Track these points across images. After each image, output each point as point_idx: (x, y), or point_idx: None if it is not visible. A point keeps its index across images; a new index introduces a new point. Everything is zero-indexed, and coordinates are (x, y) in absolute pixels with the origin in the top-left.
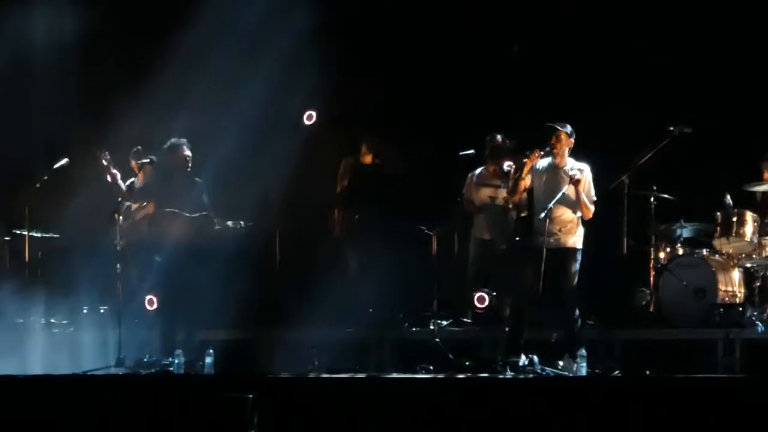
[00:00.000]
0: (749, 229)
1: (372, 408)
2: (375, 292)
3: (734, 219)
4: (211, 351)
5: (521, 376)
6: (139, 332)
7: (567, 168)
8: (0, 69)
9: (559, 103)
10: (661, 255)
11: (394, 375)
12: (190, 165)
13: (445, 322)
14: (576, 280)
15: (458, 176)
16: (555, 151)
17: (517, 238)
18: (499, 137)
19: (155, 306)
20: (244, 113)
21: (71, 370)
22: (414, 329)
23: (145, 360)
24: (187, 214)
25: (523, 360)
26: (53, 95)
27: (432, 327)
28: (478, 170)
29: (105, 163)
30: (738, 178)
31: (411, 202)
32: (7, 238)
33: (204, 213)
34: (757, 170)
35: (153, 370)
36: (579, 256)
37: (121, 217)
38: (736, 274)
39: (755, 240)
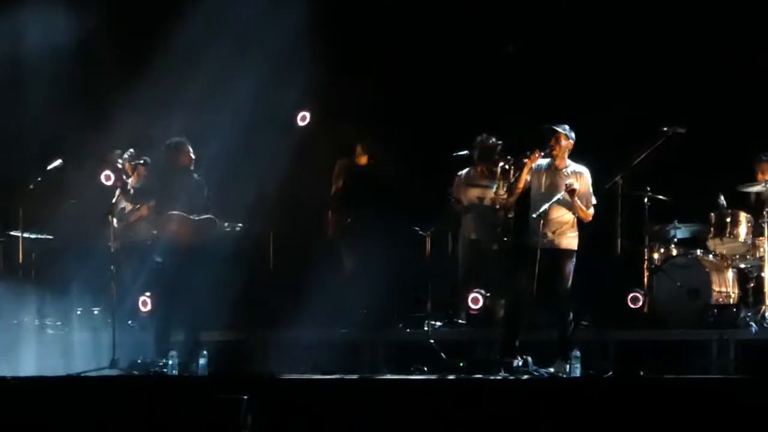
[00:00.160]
0: (743, 229)
1: (366, 409)
2: (369, 292)
3: (728, 220)
4: (205, 352)
5: (515, 377)
6: (133, 333)
7: (566, 171)
8: None
9: (553, 103)
10: (655, 256)
11: (388, 376)
12: (193, 165)
13: (439, 323)
14: (570, 281)
15: (452, 177)
16: (554, 152)
17: (505, 238)
18: (488, 138)
19: (149, 307)
20: (238, 113)
21: (65, 371)
22: (408, 330)
23: (139, 361)
24: (193, 217)
25: (517, 361)
26: (47, 96)
27: (426, 328)
28: (467, 170)
29: (119, 164)
30: (732, 179)
31: (405, 203)
32: (0, 240)
33: (209, 216)
34: (750, 171)
35: (150, 371)
36: (574, 258)
37: (114, 219)
38: (730, 275)
39: (749, 241)
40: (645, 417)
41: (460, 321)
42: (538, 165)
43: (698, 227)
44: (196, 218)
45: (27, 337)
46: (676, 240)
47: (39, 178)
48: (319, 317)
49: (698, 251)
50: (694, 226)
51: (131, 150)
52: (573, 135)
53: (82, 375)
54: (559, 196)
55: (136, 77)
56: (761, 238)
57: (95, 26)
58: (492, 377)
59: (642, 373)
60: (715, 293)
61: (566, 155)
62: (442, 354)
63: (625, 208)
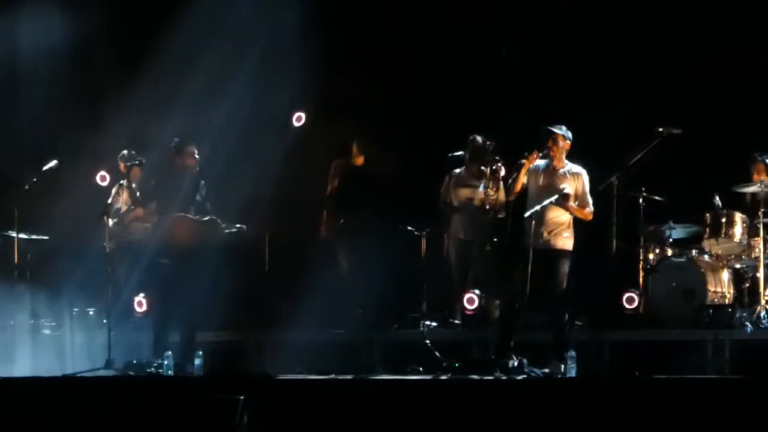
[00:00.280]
0: (738, 230)
1: (362, 409)
2: (364, 293)
3: (723, 220)
4: (200, 352)
5: (511, 378)
6: (129, 334)
7: (563, 171)
8: None
9: (550, 104)
10: (651, 256)
11: (384, 376)
12: (198, 165)
13: (434, 324)
14: (565, 282)
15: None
16: (552, 153)
17: (495, 239)
18: (479, 138)
19: (144, 308)
20: (234, 113)
21: (60, 372)
22: (404, 331)
23: (135, 362)
24: (197, 218)
25: (512, 361)
26: (43, 96)
27: (421, 328)
28: (458, 171)
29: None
30: (727, 179)
31: (401, 203)
32: None
33: (212, 217)
34: (746, 172)
35: (145, 372)
36: (569, 258)
37: (110, 219)
38: (726, 275)
39: (744, 241)
40: (640, 417)
41: (455, 321)
42: (535, 166)
43: (693, 227)
44: (200, 219)
45: (22, 337)
46: (671, 240)
47: (34, 179)
48: (314, 318)
49: (693, 251)
50: (690, 226)
51: (125, 152)
52: (570, 135)
53: (78, 375)
54: (552, 199)
55: (133, 78)
56: (756, 239)
57: (91, 26)
58: (487, 378)
59: (637, 373)
60: (710, 293)
61: (564, 156)
62: (438, 354)
63: (621, 208)
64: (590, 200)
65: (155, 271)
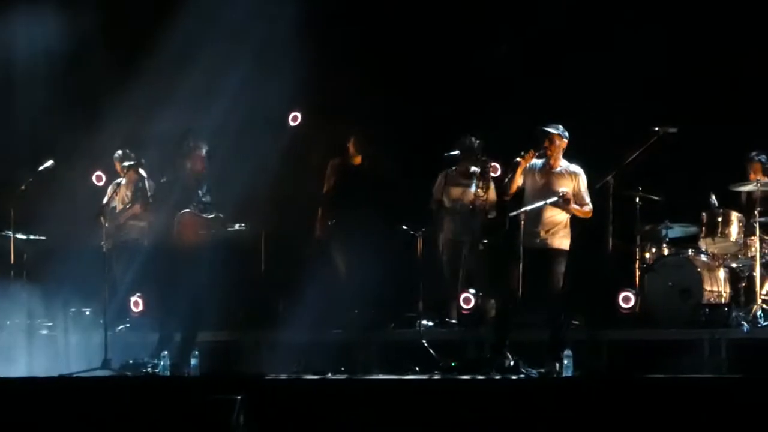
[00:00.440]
0: (734, 229)
1: (358, 409)
2: (360, 293)
3: (719, 219)
4: (196, 353)
5: (507, 377)
6: (125, 334)
7: (560, 170)
8: None
9: (546, 103)
10: (647, 255)
11: (380, 376)
12: (206, 167)
13: (430, 323)
14: (562, 281)
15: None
16: (548, 152)
17: (485, 240)
18: (469, 138)
19: (140, 308)
20: (230, 113)
21: (57, 372)
22: (400, 330)
23: (131, 362)
24: (204, 216)
25: (508, 361)
26: (38, 97)
27: (417, 328)
28: (449, 170)
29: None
30: (723, 178)
31: (397, 202)
32: None
33: (218, 214)
34: (742, 170)
35: (142, 372)
36: (566, 258)
37: (106, 219)
38: (722, 275)
39: (740, 240)
40: (637, 417)
41: (452, 321)
42: (532, 165)
43: (690, 227)
44: (207, 216)
45: (19, 337)
46: (667, 239)
47: (31, 179)
48: (311, 317)
49: (690, 251)
50: (686, 225)
51: (120, 151)
52: (567, 134)
53: (74, 375)
54: (547, 201)
55: (129, 78)
56: (752, 238)
57: (87, 27)
58: (483, 377)
59: (633, 372)
60: (706, 293)
61: (560, 155)
62: (434, 354)
63: (617, 207)
64: (588, 199)
65: (161, 269)
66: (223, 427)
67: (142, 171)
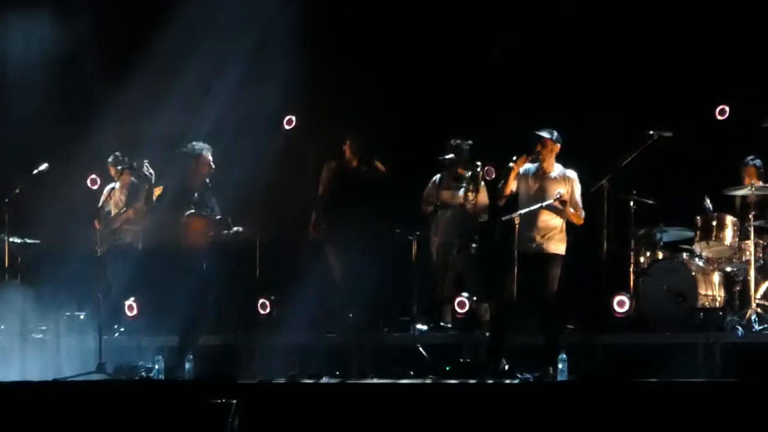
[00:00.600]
0: (729, 233)
1: (352, 413)
2: (355, 296)
3: (714, 223)
4: (191, 356)
5: (502, 381)
6: (120, 338)
7: (554, 175)
8: None
9: (541, 106)
10: (642, 259)
11: (375, 380)
12: (212, 171)
13: (425, 327)
14: (556, 286)
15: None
16: (541, 156)
17: (474, 245)
18: (458, 142)
19: (135, 312)
20: (224, 115)
21: (51, 376)
22: (394, 334)
23: (125, 366)
24: (210, 217)
25: (503, 365)
26: (32, 100)
27: (412, 332)
28: (443, 173)
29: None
30: (718, 182)
31: (391, 206)
32: None
33: (224, 217)
34: (737, 174)
35: (136, 376)
36: (561, 262)
37: (100, 223)
38: (716, 278)
39: (735, 244)
40: (632, 421)
41: (446, 325)
42: (525, 170)
43: (684, 230)
44: (213, 217)
45: (13, 341)
46: (662, 243)
47: (25, 182)
48: (305, 321)
49: (684, 255)
50: (681, 229)
51: (116, 154)
52: (560, 139)
53: (68, 380)
54: (543, 204)
55: (123, 82)
56: (747, 242)
57: (81, 31)
58: (478, 381)
59: (628, 376)
60: (701, 297)
61: (553, 160)
62: (428, 357)
63: (612, 211)
64: (581, 205)
65: (169, 272)
66: (218, 431)
67: (147, 172)
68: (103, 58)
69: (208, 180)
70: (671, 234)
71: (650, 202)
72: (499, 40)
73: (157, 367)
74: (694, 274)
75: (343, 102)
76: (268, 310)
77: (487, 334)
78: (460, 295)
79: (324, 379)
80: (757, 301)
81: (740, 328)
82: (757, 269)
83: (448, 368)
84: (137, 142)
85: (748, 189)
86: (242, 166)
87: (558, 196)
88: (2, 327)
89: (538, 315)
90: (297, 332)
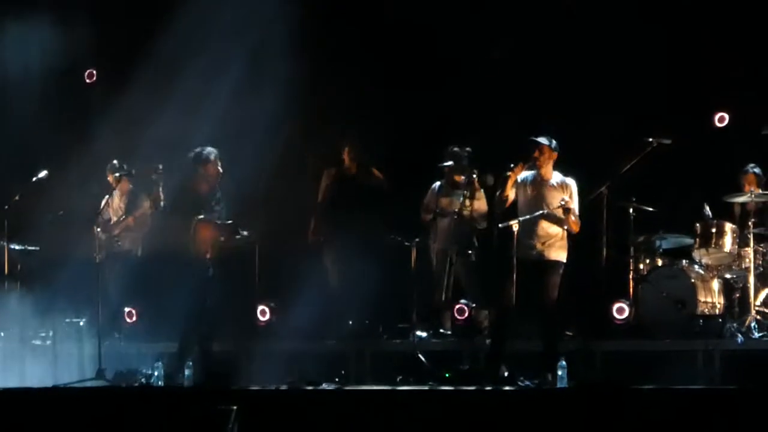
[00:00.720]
0: (728, 240)
1: (352, 420)
2: (354, 303)
3: (713, 230)
4: (190, 363)
5: (501, 388)
6: (119, 344)
7: (552, 182)
8: None
9: (540, 113)
10: (641, 266)
11: (374, 387)
12: (220, 176)
13: (424, 334)
14: (556, 293)
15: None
16: (538, 164)
17: (470, 251)
18: (455, 149)
19: (134, 318)
20: (222, 120)
21: (51, 382)
22: (394, 341)
23: (125, 372)
24: (219, 222)
25: (503, 371)
26: (31, 107)
27: (411, 338)
28: (441, 181)
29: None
30: (717, 189)
31: (390, 213)
32: None
33: (233, 222)
34: (736, 181)
35: (135, 382)
36: (561, 270)
37: (99, 230)
38: (716, 286)
39: (734, 251)
40: (631, 427)
41: (447, 332)
42: (523, 177)
43: (684, 238)
44: (222, 222)
45: (12, 348)
46: (661, 250)
47: (24, 189)
48: (304, 328)
49: (684, 262)
50: (680, 236)
51: (114, 161)
52: (558, 147)
53: (68, 386)
54: (545, 211)
55: (121, 88)
56: (746, 249)
57: (80, 39)
58: (478, 388)
59: (628, 383)
60: (700, 304)
61: (551, 167)
62: (428, 364)
63: (611, 218)
64: (578, 211)
65: (178, 277)
66: None
67: (157, 176)
68: (102, 64)
69: (216, 185)
70: (671, 241)
71: (650, 209)
72: (499, 41)
73: (156, 373)
74: (693, 281)
75: (343, 104)
76: (267, 316)
77: (488, 341)
78: (459, 302)
79: (323, 386)
80: (756, 308)
81: (740, 335)
82: (756, 276)
83: (447, 375)
84: (136, 148)
85: (747, 196)
86: (242, 169)
87: (563, 203)
88: (2, 334)
89: (538, 322)
90: (296, 339)
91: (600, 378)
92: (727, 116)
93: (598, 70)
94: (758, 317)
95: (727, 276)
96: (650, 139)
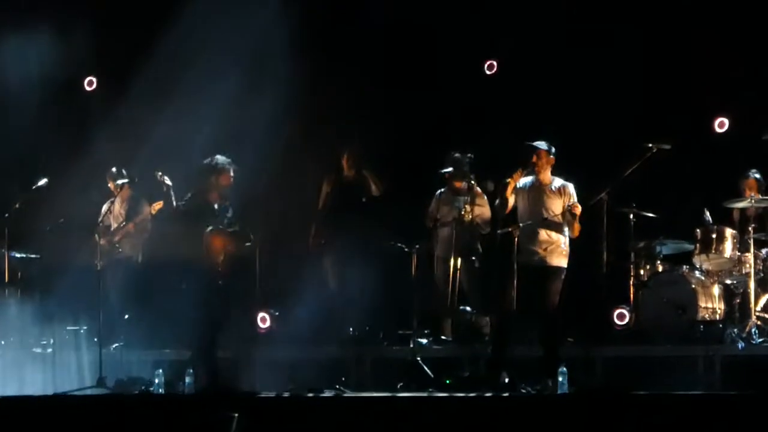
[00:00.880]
0: (729, 245)
1: (352, 427)
2: (354, 310)
3: (714, 236)
4: (190, 370)
5: (502, 394)
6: (120, 352)
7: (551, 187)
8: None
9: (539, 119)
10: (641, 272)
11: (374, 393)
12: (231, 185)
13: (424, 340)
14: (557, 299)
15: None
16: (537, 169)
17: (473, 258)
18: (456, 155)
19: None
20: (224, 124)
21: (51, 390)
22: (394, 347)
23: (125, 380)
24: (230, 230)
25: (503, 378)
26: (31, 115)
27: (412, 345)
28: (443, 188)
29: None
30: (717, 194)
31: (390, 219)
32: None
33: (243, 230)
34: (736, 187)
35: (136, 390)
36: (563, 276)
37: (100, 237)
38: (716, 291)
39: (735, 257)
40: None
41: (447, 338)
42: (522, 183)
43: (684, 243)
44: (233, 231)
45: (13, 356)
46: (662, 256)
47: (25, 197)
48: (305, 334)
49: (684, 267)
50: (680, 242)
51: (113, 169)
52: (555, 152)
53: (69, 394)
54: (545, 216)
55: (121, 96)
56: (747, 254)
57: (80, 48)
58: (478, 394)
59: (628, 389)
60: (701, 309)
61: (549, 172)
62: (428, 371)
63: (611, 224)
64: None
65: (192, 286)
66: None
67: (167, 181)
68: (102, 72)
69: (226, 193)
70: (671, 247)
71: (650, 214)
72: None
73: (157, 381)
74: (693, 286)
75: (343, 104)
76: (268, 323)
77: (488, 347)
78: (461, 308)
79: (324, 393)
80: (757, 314)
81: (740, 341)
82: (756, 282)
83: (448, 381)
84: (136, 155)
85: (747, 201)
86: (242, 172)
87: (569, 207)
88: (2, 342)
89: (539, 328)
90: (297, 345)
91: (600, 384)
92: (727, 121)
93: (598, 75)
94: (759, 323)
95: (728, 281)
96: (650, 145)
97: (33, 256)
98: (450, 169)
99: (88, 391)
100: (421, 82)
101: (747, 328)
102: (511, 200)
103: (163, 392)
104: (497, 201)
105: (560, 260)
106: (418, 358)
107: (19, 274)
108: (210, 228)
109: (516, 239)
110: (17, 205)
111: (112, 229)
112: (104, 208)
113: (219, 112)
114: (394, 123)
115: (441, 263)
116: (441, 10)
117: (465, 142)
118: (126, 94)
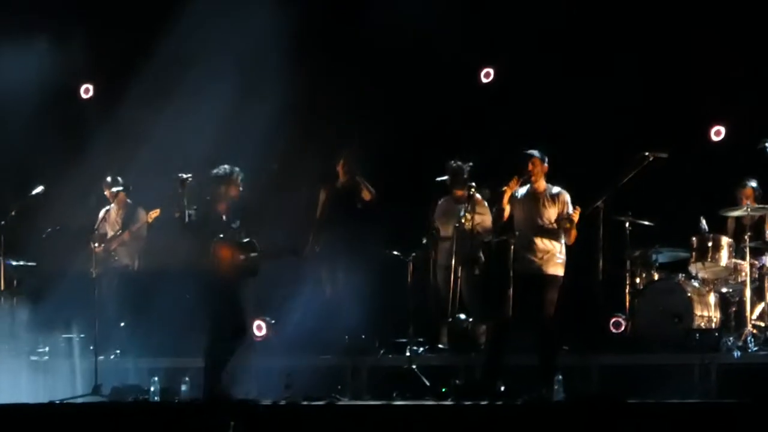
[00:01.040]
0: (725, 254)
1: None
2: (350, 318)
3: (710, 244)
4: (187, 378)
5: (498, 402)
6: (116, 360)
7: (546, 194)
8: None
9: (536, 129)
10: (637, 280)
11: (371, 402)
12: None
13: (420, 349)
14: (554, 308)
15: (434, 202)
16: (532, 177)
17: (474, 265)
18: (455, 163)
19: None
20: (217, 131)
21: (47, 398)
22: (390, 356)
23: (121, 387)
24: (237, 241)
25: (499, 386)
26: (27, 124)
27: (408, 353)
28: (445, 197)
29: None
30: (713, 203)
31: (387, 226)
32: None
33: (250, 239)
34: (732, 195)
35: (132, 398)
36: (559, 284)
37: (96, 245)
38: (712, 299)
39: (731, 265)
40: None
41: (441, 346)
42: (518, 192)
43: (680, 252)
44: (240, 242)
45: (9, 363)
46: (658, 264)
47: (21, 204)
48: (301, 343)
49: (680, 275)
50: (676, 250)
51: (108, 178)
52: (546, 159)
53: (65, 402)
54: (543, 224)
55: (117, 104)
56: (743, 263)
57: (76, 56)
58: (474, 402)
59: (624, 397)
60: (696, 317)
61: (543, 179)
62: (424, 379)
63: (607, 232)
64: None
65: (203, 297)
66: None
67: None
68: (98, 79)
69: (235, 203)
70: (667, 255)
71: (646, 223)
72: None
73: (153, 388)
74: (689, 295)
75: (343, 106)
76: (264, 331)
77: (483, 355)
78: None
79: (321, 401)
80: (752, 322)
81: (736, 349)
82: (752, 290)
83: (444, 390)
84: (133, 162)
85: (743, 210)
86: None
87: (567, 215)
88: None
89: (535, 336)
90: (293, 353)
91: (596, 392)
92: (723, 130)
93: (595, 84)
94: (754, 331)
95: (724, 290)
96: (646, 153)
97: (29, 263)
98: (446, 177)
99: (84, 399)
100: (421, 82)
101: (743, 337)
102: (508, 209)
103: (158, 400)
104: (494, 209)
105: (557, 269)
106: (414, 367)
107: (15, 281)
108: (218, 238)
109: (512, 247)
110: (13, 213)
111: (108, 236)
112: (100, 215)
113: (219, 112)
114: (394, 123)
115: (441, 271)
116: (440, 14)
117: (462, 149)
118: (123, 98)
